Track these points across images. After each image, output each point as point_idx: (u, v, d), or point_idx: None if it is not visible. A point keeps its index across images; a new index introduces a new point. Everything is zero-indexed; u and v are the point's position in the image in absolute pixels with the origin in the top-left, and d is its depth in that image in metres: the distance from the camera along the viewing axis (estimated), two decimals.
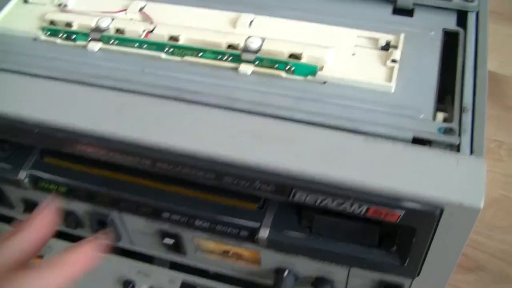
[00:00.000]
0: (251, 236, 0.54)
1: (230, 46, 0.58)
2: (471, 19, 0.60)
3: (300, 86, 0.54)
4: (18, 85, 0.56)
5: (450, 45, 0.59)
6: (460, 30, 0.59)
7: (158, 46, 0.60)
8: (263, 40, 0.58)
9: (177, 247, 0.62)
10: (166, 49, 0.60)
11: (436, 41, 0.58)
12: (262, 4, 0.64)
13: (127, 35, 0.62)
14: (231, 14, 0.62)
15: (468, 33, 0.58)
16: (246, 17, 0.62)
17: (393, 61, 0.55)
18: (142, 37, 0.61)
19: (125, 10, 0.65)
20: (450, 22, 0.60)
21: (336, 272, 0.56)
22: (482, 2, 0.61)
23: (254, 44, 0.57)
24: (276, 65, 0.56)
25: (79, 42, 0.61)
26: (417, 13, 0.61)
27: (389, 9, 0.62)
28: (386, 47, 0.57)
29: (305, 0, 0.64)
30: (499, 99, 1.04)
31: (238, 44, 0.58)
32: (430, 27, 0.60)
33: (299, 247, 0.53)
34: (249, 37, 0.58)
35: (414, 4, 0.62)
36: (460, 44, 0.57)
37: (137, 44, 0.61)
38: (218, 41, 0.59)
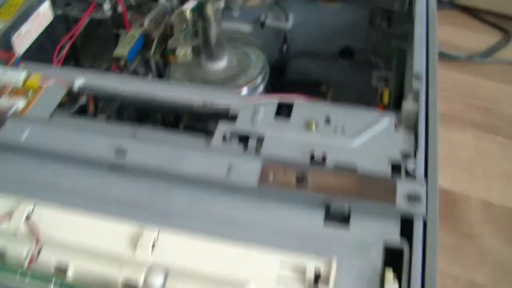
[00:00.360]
0: None
1: (127, 284, 0.48)
2: (417, 227, 0.50)
3: None
4: None
5: (394, 261, 0.49)
6: (404, 244, 0.49)
7: (43, 280, 0.49)
8: (166, 273, 0.47)
9: None
10: (52, 285, 0.49)
11: (376, 263, 0.48)
12: (169, 210, 0.54)
13: (9, 256, 0.51)
14: (132, 226, 0.52)
15: (414, 248, 0.49)
16: (149, 234, 0.51)
17: None
18: (26, 263, 0.50)
19: (10, 215, 0.55)
20: (393, 232, 0.50)
21: None
22: (431, 204, 0.51)
23: (155, 282, 0.47)
24: None
25: None
26: (354, 220, 0.51)
27: (320, 215, 0.52)
28: (315, 282, 0.47)
29: (219, 205, 0.54)
30: (454, 224, 0.95)
31: (137, 281, 0.47)
32: (369, 241, 0.50)
33: None
34: (150, 270, 0.48)
35: (350, 210, 0.52)
36: (404, 268, 0.47)
37: (19, 276, 0.50)
38: (113, 275, 0.48)
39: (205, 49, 0.80)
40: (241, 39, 0.87)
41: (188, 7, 0.80)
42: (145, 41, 0.83)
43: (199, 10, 0.81)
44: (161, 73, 0.85)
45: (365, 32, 0.88)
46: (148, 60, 0.83)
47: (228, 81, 0.80)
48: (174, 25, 0.80)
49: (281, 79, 0.94)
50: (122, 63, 0.80)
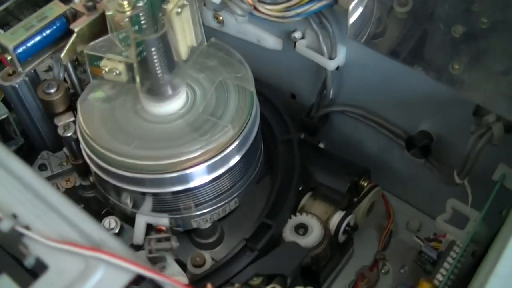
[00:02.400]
0: None
1: None
2: None
3: None
4: None
5: None
6: None
7: None
8: None
9: None
10: None
11: None
12: None
13: None
14: None
15: None
16: None
17: None
18: None
19: None
20: None
21: None
22: None
23: None
24: None
25: None
26: None
27: None
28: None
29: None
30: None
31: None
32: None
33: None
34: None
35: None
36: None
37: None
38: None
39: (147, 78, 0.44)
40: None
41: None
42: (68, 28, 0.48)
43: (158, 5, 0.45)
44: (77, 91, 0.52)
45: (460, 122, 0.46)
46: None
47: (181, 135, 0.44)
48: (107, 16, 0.44)
49: (308, 140, 0.55)
50: (8, 57, 0.47)
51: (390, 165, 0.55)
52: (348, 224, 0.49)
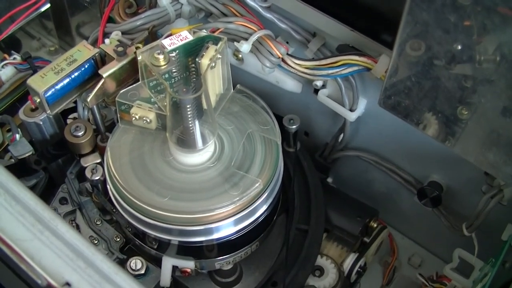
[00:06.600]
0: None
1: None
2: None
3: None
4: None
5: None
6: None
7: None
8: None
9: None
10: None
11: None
12: None
13: None
14: None
15: None
16: None
17: None
18: None
19: None
20: None
21: None
22: None
23: None
24: None
25: None
26: None
27: None
28: None
29: None
30: None
31: None
32: None
33: None
34: None
35: None
36: None
37: None
38: None
39: (177, 127, 0.46)
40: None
41: (169, 43, 0.45)
42: (97, 68, 0.49)
43: (188, 53, 0.46)
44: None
45: (471, 178, 0.49)
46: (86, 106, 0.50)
47: (213, 186, 0.46)
48: (139, 63, 0.45)
49: (319, 177, 0.57)
50: (36, 100, 0.47)
51: (396, 205, 0.58)
52: (360, 266, 0.52)
